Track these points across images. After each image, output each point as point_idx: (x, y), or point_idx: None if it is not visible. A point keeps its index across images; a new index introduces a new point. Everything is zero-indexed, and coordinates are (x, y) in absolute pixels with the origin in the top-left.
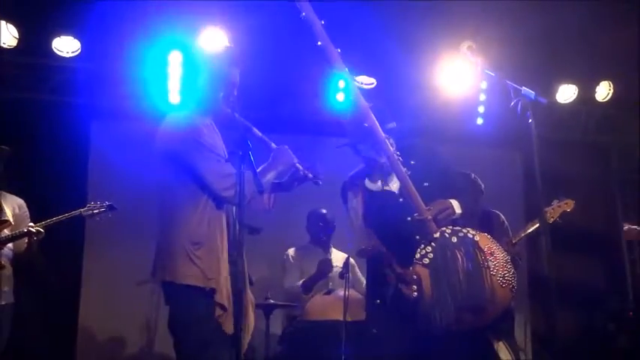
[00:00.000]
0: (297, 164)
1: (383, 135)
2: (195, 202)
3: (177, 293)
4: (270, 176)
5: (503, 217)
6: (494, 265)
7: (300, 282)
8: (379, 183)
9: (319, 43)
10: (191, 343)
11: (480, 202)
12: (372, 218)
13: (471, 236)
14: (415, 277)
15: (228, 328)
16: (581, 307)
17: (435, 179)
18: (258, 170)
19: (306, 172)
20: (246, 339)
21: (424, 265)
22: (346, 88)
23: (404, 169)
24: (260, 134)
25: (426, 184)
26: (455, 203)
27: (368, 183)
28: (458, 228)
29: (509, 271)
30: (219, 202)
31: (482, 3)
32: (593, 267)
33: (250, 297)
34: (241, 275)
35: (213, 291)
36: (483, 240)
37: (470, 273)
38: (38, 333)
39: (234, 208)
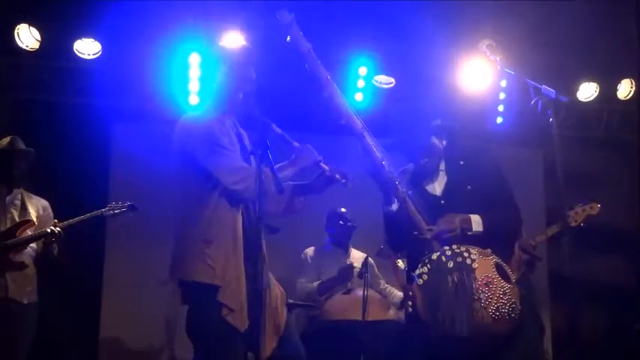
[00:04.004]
0: (323, 164)
1: (383, 163)
2: (207, 200)
3: (190, 291)
4: (288, 172)
5: None
6: (487, 296)
7: (317, 283)
8: (393, 206)
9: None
10: (205, 339)
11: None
12: (390, 236)
13: (469, 262)
14: (411, 293)
15: (240, 324)
16: (605, 307)
17: (479, 184)
18: (276, 167)
19: (334, 173)
20: (273, 338)
21: (418, 286)
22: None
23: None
24: (280, 131)
25: (469, 187)
26: (475, 219)
27: (386, 208)
28: (460, 250)
29: (505, 303)
30: (232, 199)
31: (502, 1)
32: (619, 266)
33: (281, 295)
34: (260, 276)
35: (218, 288)
36: (482, 268)
37: (459, 302)
38: (61, 332)
39: (253, 207)
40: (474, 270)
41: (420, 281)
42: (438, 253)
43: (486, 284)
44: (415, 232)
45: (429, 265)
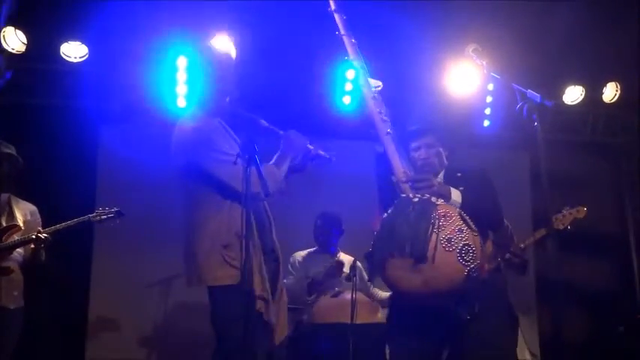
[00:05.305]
0: (309, 145)
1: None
2: (220, 206)
3: (220, 294)
4: (285, 166)
5: (507, 221)
6: (442, 224)
7: (306, 282)
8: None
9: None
10: (235, 335)
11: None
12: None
13: (434, 201)
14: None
15: (270, 316)
16: (591, 309)
17: (470, 191)
18: (271, 162)
19: (318, 150)
20: (283, 332)
21: (381, 218)
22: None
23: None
24: (267, 124)
25: (460, 189)
26: (455, 192)
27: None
28: (428, 195)
29: (459, 240)
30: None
31: (488, 5)
32: (603, 269)
33: (284, 295)
34: (278, 270)
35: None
36: (444, 207)
37: (416, 227)
38: (48, 337)
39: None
40: (436, 205)
41: (385, 214)
42: (406, 194)
43: (444, 216)
44: (392, 176)
45: (395, 202)
